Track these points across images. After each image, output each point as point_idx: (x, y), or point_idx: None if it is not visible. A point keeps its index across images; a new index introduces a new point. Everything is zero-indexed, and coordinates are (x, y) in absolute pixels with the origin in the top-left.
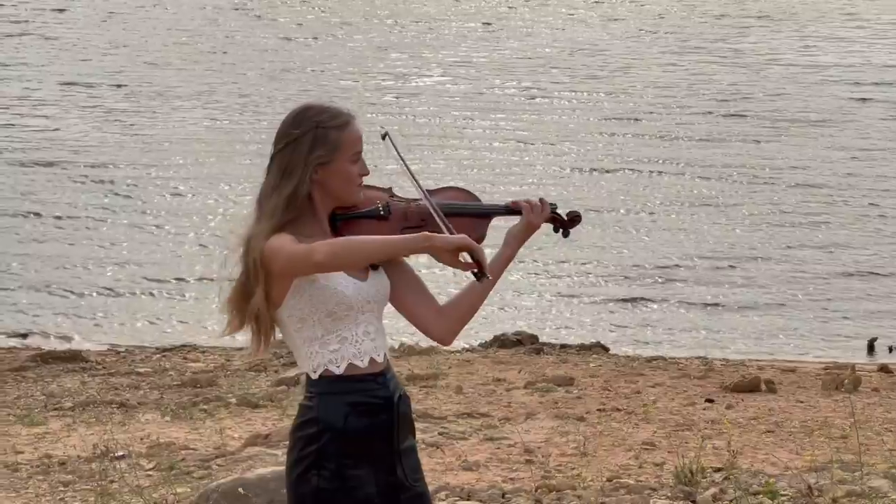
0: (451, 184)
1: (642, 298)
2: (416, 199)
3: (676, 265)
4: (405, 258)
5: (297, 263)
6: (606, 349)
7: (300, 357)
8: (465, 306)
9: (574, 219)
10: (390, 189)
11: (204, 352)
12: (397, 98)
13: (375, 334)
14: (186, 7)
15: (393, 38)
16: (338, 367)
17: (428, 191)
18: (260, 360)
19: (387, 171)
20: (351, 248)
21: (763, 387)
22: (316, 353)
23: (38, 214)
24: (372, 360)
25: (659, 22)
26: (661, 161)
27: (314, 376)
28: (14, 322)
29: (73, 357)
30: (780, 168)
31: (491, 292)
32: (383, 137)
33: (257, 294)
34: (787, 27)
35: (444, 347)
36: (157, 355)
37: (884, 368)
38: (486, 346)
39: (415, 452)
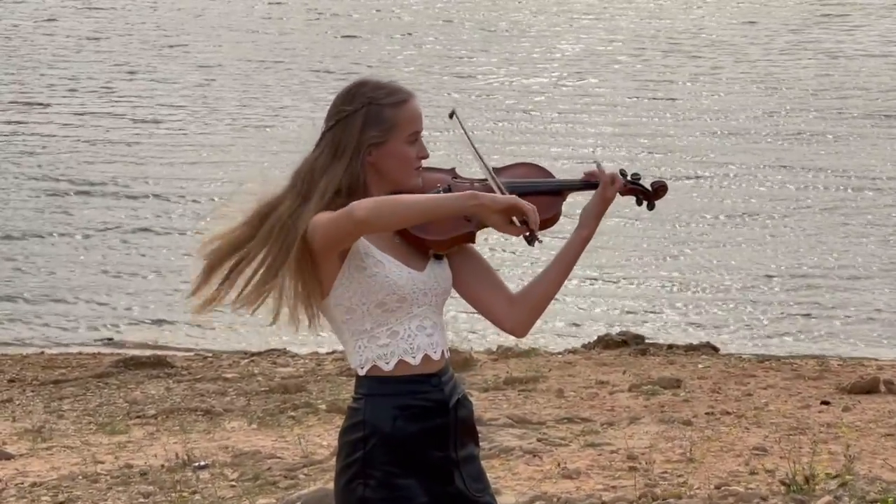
0: (522, 160)
1: (752, 298)
2: (481, 179)
3: (791, 265)
4: (472, 245)
5: (339, 225)
6: (716, 349)
7: (348, 351)
8: (539, 295)
9: (659, 189)
10: (453, 170)
11: (294, 356)
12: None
13: (432, 329)
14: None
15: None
16: (387, 363)
17: (495, 169)
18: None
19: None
20: (395, 206)
21: (882, 388)
22: (364, 348)
23: (112, 223)
24: (426, 358)
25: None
26: (782, 163)
27: (361, 372)
28: (98, 327)
29: (158, 363)
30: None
31: (566, 280)
32: (451, 116)
33: (288, 276)
34: None
35: (547, 349)
36: (246, 360)
37: None
38: (588, 346)
39: (477, 461)
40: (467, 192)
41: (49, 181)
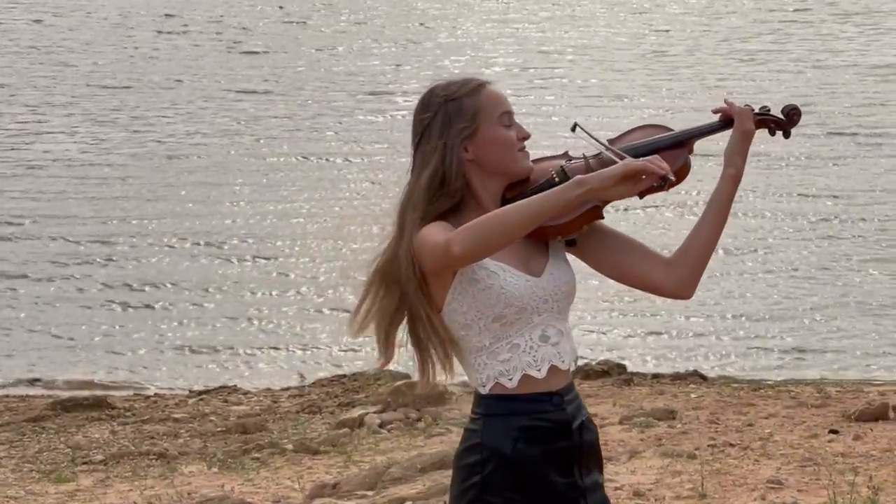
0: (640, 124)
1: (735, 324)
2: (595, 154)
3: (770, 291)
4: (602, 221)
5: (441, 261)
6: (704, 377)
7: (468, 369)
8: (699, 246)
9: (792, 114)
10: (566, 153)
11: (246, 393)
12: None
13: (557, 338)
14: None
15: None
16: (510, 379)
17: (609, 140)
18: (312, 402)
19: None
20: (490, 228)
21: (892, 414)
22: (484, 365)
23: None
24: (553, 369)
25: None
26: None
27: (483, 391)
28: (24, 367)
29: (98, 404)
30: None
31: (726, 223)
32: (573, 129)
33: (409, 292)
34: None
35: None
36: (194, 399)
37: None
38: None
39: (601, 490)
40: (570, 182)
41: None
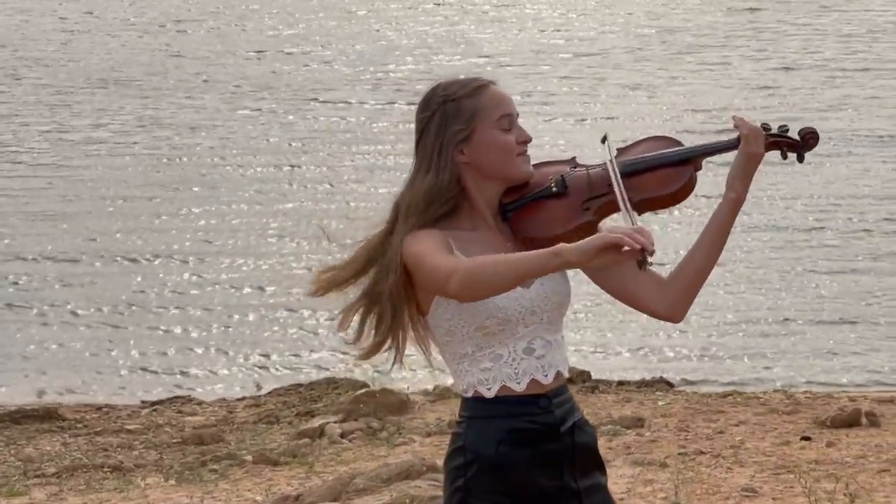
0: (652, 134)
1: (698, 330)
2: (599, 165)
3: (736, 297)
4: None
5: (432, 287)
6: (671, 384)
7: (451, 373)
8: (692, 271)
9: (808, 138)
10: (573, 159)
11: (201, 404)
12: None
13: (543, 350)
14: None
15: None
16: (489, 388)
17: (618, 148)
18: (269, 411)
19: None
20: (483, 277)
21: (864, 420)
22: (465, 372)
23: None
24: (534, 383)
25: None
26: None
27: (466, 395)
28: None
29: (48, 415)
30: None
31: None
32: (603, 141)
33: (389, 288)
34: None
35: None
36: (147, 410)
37: None
38: None
39: (604, 491)
40: (550, 250)
41: None
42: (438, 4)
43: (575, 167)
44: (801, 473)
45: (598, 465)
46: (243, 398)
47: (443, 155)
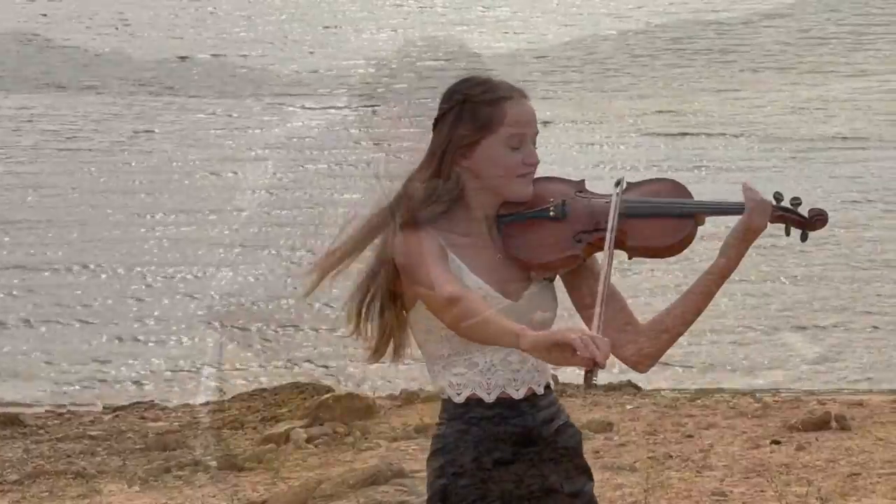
0: (664, 175)
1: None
2: (604, 195)
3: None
4: (593, 261)
5: (427, 300)
6: (638, 388)
7: (428, 372)
8: (665, 328)
9: (817, 220)
10: (581, 182)
11: (164, 409)
12: None
13: (520, 364)
14: None
15: None
16: (458, 394)
17: (628, 183)
18: (233, 417)
19: None
20: (477, 324)
21: (834, 424)
22: (438, 374)
23: None
24: (503, 396)
25: None
26: None
27: (442, 397)
28: None
29: (8, 421)
30: None
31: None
32: (617, 185)
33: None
34: None
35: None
36: (109, 415)
37: None
38: None
39: (589, 497)
40: (514, 332)
41: None
42: None
43: (580, 192)
44: (771, 477)
45: (584, 471)
46: (207, 403)
47: (448, 153)
